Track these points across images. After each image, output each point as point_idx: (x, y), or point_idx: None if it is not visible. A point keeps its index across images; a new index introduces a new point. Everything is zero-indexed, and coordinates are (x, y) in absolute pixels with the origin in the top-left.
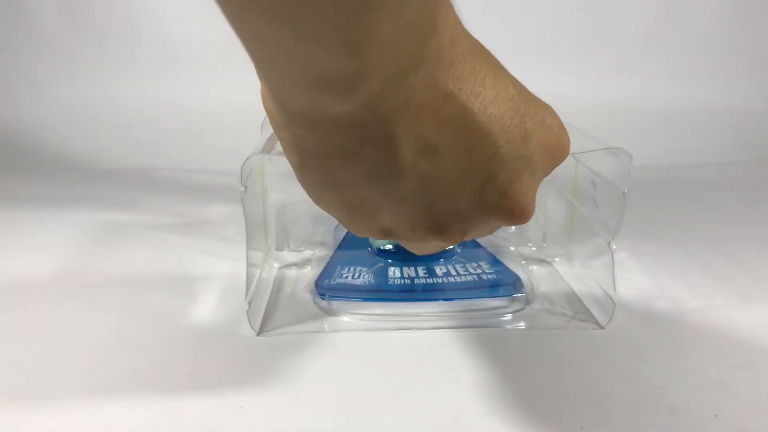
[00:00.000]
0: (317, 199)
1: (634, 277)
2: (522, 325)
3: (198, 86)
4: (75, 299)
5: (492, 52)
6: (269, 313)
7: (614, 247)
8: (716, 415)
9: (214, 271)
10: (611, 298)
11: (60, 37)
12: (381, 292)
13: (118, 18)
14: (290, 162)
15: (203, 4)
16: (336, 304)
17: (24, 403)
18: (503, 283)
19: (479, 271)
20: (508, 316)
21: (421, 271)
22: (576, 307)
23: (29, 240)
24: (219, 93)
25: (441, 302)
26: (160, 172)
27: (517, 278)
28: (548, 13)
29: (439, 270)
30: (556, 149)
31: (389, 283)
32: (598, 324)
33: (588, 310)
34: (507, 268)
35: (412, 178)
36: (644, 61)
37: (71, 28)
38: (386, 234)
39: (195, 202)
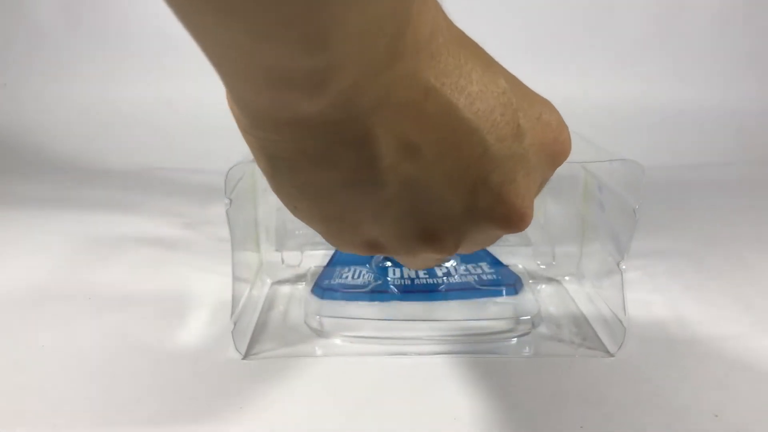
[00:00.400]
0: (294, 210)
1: (634, 272)
2: (527, 351)
3: (198, 86)
4: (74, 301)
5: (494, 52)
6: (257, 335)
7: (624, 267)
8: (716, 415)
9: (210, 283)
10: (621, 323)
11: (60, 37)
12: (381, 293)
13: (118, 18)
14: (261, 169)
15: None
16: (328, 324)
17: (22, 405)
18: (503, 284)
19: (479, 271)
20: (513, 341)
21: (421, 271)
22: (585, 331)
23: (29, 240)
24: (219, 93)
25: (441, 325)
26: (160, 172)
27: (517, 279)
28: (548, 13)
29: (439, 270)
30: (555, 146)
31: (389, 283)
32: (607, 352)
33: (597, 336)
34: (507, 269)
35: (394, 182)
36: (644, 62)
37: (71, 27)
38: (373, 248)
39: (195, 203)
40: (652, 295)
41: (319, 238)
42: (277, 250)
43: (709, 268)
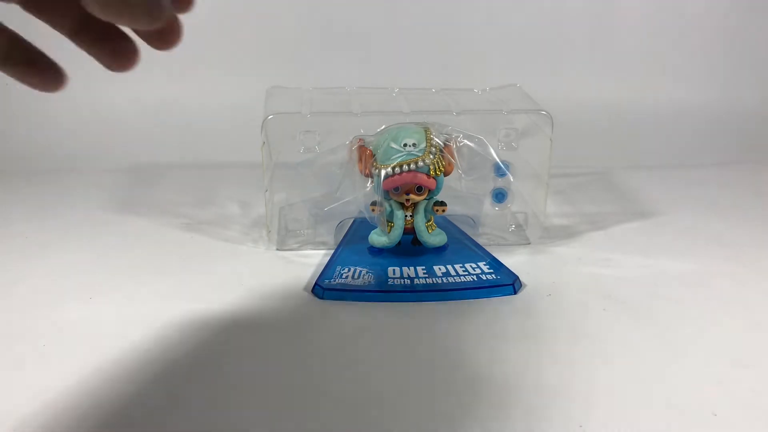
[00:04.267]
0: None
1: (633, 271)
2: None
3: (198, 86)
4: (75, 300)
5: (495, 52)
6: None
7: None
8: (715, 414)
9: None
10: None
11: (60, 37)
12: (381, 293)
13: None
14: None
15: (203, 4)
16: None
17: (22, 403)
18: (502, 284)
19: (478, 271)
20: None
21: (420, 271)
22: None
23: (29, 240)
24: (219, 93)
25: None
26: (160, 172)
27: (516, 278)
28: (548, 14)
29: (438, 270)
30: None
31: (389, 283)
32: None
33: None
34: (506, 269)
35: None
36: (644, 62)
37: None
38: None
39: (195, 203)
40: (637, 260)
41: (318, 239)
42: (278, 249)
43: (710, 267)
